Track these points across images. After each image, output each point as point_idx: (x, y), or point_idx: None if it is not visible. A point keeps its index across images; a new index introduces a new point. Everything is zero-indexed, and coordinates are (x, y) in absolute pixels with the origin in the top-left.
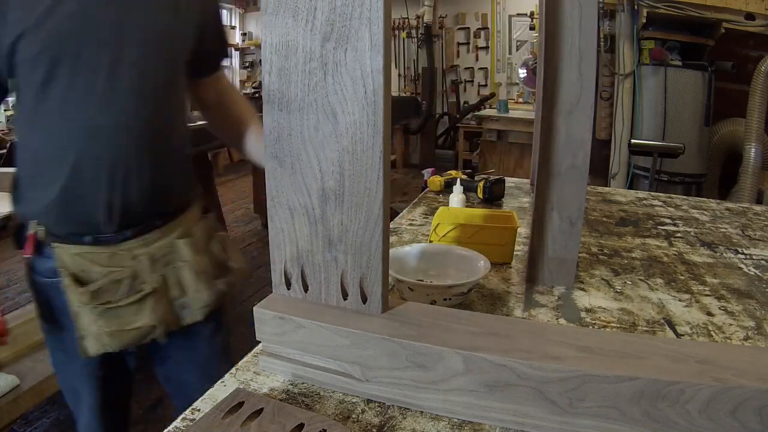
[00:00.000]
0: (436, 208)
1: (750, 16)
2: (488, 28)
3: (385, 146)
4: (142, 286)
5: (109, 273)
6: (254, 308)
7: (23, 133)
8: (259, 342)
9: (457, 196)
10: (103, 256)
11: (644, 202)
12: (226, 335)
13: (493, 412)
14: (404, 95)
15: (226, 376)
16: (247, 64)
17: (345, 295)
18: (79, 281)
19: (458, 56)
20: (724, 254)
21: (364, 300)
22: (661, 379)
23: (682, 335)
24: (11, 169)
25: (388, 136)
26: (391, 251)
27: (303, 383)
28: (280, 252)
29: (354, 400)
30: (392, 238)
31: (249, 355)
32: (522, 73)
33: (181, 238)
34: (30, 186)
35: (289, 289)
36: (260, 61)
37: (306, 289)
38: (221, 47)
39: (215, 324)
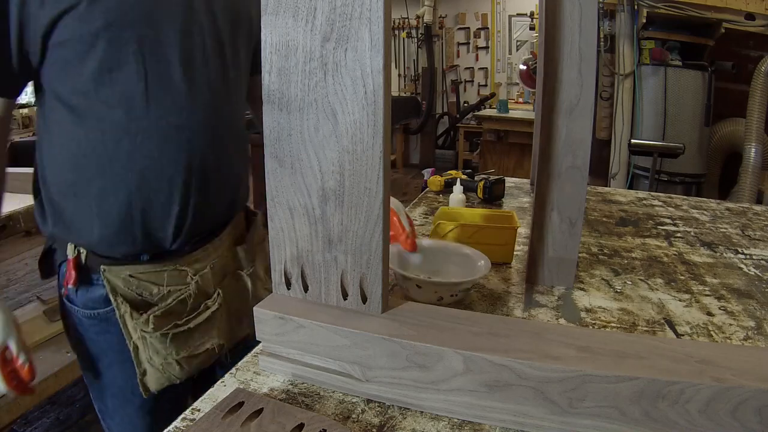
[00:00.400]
0: (436, 208)
1: (750, 16)
2: (488, 28)
3: (385, 146)
4: (207, 302)
5: (171, 293)
6: (254, 308)
7: (59, 131)
8: (259, 342)
9: (457, 196)
10: (163, 274)
11: (644, 202)
12: None
13: (494, 412)
14: (404, 95)
15: (226, 376)
16: None
17: (345, 295)
18: (137, 308)
19: (458, 56)
20: (724, 254)
21: (364, 300)
22: (661, 379)
23: (682, 335)
24: (11, 169)
25: (388, 136)
26: (392, 249)
27: (303, 383)
28: (280, 252)
29: (354, 400)
30: None
31: (249, 355)
32: (521, 68)
33: (239, 245)
34: (71, 196)
35: (289, 289)
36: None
37: (306, 289)
38: None
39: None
